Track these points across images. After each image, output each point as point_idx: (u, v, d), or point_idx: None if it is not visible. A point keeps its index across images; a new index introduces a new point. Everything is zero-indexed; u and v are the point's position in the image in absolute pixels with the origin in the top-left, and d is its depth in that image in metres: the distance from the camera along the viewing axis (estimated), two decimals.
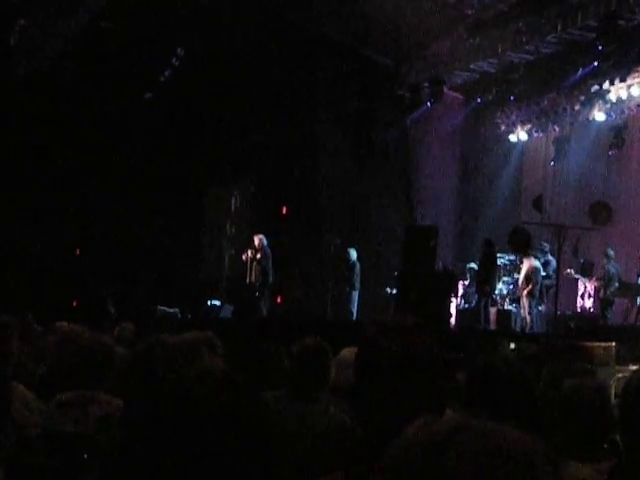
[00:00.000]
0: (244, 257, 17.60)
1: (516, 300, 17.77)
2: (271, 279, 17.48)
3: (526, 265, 16.53)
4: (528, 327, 16.09)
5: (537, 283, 16.43)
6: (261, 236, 17.50)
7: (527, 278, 16.35)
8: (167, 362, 1.71)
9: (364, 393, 2.11)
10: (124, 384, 1.72)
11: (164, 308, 16.95)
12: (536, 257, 16.79)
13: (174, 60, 18.22)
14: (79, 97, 17.85)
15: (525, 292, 16.33)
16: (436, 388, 2.09)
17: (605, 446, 3.47)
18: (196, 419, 1.55)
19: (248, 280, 17.66)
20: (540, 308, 17.67)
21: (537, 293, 16.61)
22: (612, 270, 16.74)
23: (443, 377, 2.17)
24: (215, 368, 1.75)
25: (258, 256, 17.33)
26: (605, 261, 16.99)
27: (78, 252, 19.66)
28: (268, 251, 17.40)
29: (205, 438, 1.54)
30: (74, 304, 17.47)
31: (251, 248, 17.52)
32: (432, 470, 1.18)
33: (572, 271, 17.48)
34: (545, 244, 17.79)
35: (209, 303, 18.78)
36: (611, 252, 17.00)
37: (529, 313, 16.25)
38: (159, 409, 1.56)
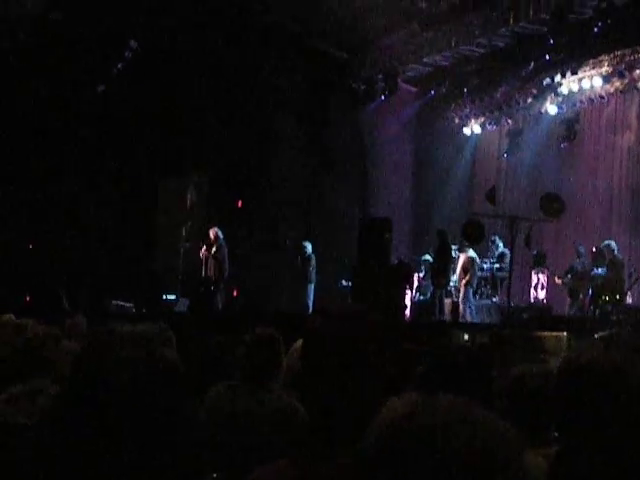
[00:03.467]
0: (201, 254, 17.53)
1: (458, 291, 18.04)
2: (227, 272, 17.44)
3: (462, 257, 16.94)
4: (463, 315, 16.35)
5: (474, 274, 16.84)
6: (216, 229, 17.46)
7: (464, 269, 16.75)
8: (116, 350, 1.71)
9: (310, 380, 2.12)
10: (72, 369, 1.72)
11: (118, 302, 16.83)
12: (473, 249, 17.15)
13: (127, 52, 18.07)
14: (30, 88, 17.64)
15: (463, 282, 16.68)
16: (382, 374, 2.11)
17: (556, 434, 3.52)
18: (137, 406, 1.56)
19: (204, 273, 17.60)
20: (494, 299, 17.87)
21: (474, 283, 17.01)
22: (578, 267, 16.94)
23: (390, 364, 2.19)
24: (164, 358, 1.75)
25: (213, 249, 17.29)
26: (577, 258, 17.21)
27: (30, 246, 19.44)
28: (224, 244, 17.36)
29: (143, 427, 1.55)
30: (27, 299, 17.27)
31: (206, 242, 17.47)
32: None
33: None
34: (496, 237, 17.97)
35: (164, 297, 18.67)
36: (582, 249, 17.22)
37: (463, 302, 16.56)
38: (102, 396, 1.56)
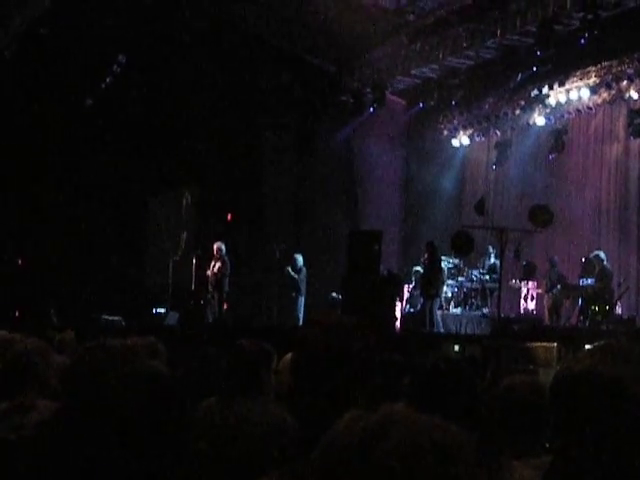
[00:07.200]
0: (208, 272, 17.41)
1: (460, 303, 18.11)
2: (226, 289, 17.37)
3: None
4: (428, 326, 16.39)
5: (443, 283, 16.92)
6: (220, 244, 17.30)
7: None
8: (107, 363, 1.72)
9: (301, 392, 2.12)
10: (64, 383, 1.72)
11: (108, 316, 16.79)
12: (446, 260, 17.79)
13: (115, 67, 18.08)
14: (19, 103, 17.63)
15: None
16: (372, 386, 2.11)
17: (547, 445, 3.52)
18: (130, 418, 1.56)
19: (194, 287, 17.62)
20: (485, 310, 17.89)
21: (442, 293, 17.18)
22: (553, 277, 17.12)
23: (380, 375, 2.20)
24: (154, 371, 1.76)
25: (218, 264, 17.18)
26: (549, 268, 17.37)
27: (20, 261, 19.40)
28: (226, 259, 17.25)
29: (137, 439, 1.55)
30: (16, 314, 17.22)
31: (213, 257, 17.34)
32: (363, 460, 1.20)
33: (516, 281, 17.86)
34: (490, 248, 18.01)
35: (154, 310, 18.64)
36: (556, 259, 17.38)
37: (430, 312, 16.64)
38: (96, 408, 1.57)
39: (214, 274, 17.23)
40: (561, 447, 1.89)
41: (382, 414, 1.27)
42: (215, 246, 17.30)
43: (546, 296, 17.34)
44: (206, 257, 17.59)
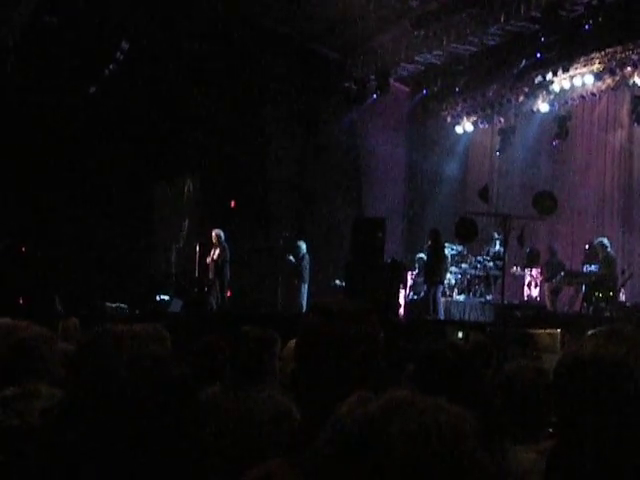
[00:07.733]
0: (208, 259, 17.45)
1: (464, 290, 18.12)
2: (228, 276, 17.40)
3: None
4: (432, 313, 16.43)
5: (446, 270, 17.23)
6: (218, 231, 17.34)
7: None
8: (113, 349, 1.72)
9: (304, 378, 2.11)
10: (69, 370, 1.72)
11: (112, 304, 16.82)
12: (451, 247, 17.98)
13: (119, 54, 18.05)
14: (22, 90, 17.61)
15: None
16: (376, 372, 2.11)
17: (550, 430, 3.53)
18: (135, 404, 1.56)
19: (197, 274, 17.61)
20: (488, 297, 17.91)
21: (445, 280, 17.22)
22: (554, 264, 17.16)
23: (385, 361, 2.19)
24: (160, 357, 1.76)
25: (217, 252, 17.20)
26: (549, 256, 17.41)
27: (24, 249, 19.40)
28: (226, 246, 17.27)
29: (143, 426, 1.55)
30: (20, 301, 17.25)
31: (212, 244, 17.37)
32: (369, 444, 1.20)
33: (517, 268, 17.94)
34: (496, 234, 18.00)
35: (158, 298, 18.66)
36: (555, 247, 17.40)
37: (433, 299, 16.67)
38: (101, 393, 1.57)
39: (214, 261, 17.26)
40: (564, 431, 1.89)
41: (386, 398, 1.27)
42: (213, 233, 17.33)
43: (546, 284, 17.35)
44: (209, 244, 17.62)
